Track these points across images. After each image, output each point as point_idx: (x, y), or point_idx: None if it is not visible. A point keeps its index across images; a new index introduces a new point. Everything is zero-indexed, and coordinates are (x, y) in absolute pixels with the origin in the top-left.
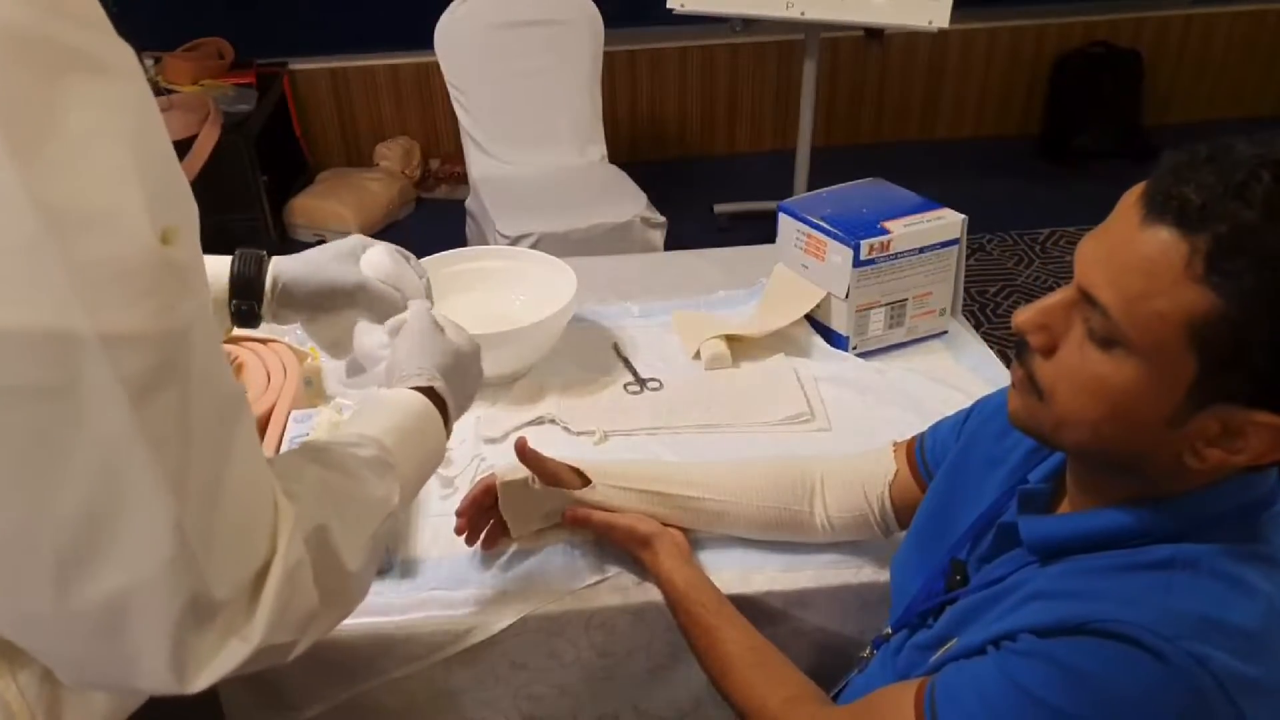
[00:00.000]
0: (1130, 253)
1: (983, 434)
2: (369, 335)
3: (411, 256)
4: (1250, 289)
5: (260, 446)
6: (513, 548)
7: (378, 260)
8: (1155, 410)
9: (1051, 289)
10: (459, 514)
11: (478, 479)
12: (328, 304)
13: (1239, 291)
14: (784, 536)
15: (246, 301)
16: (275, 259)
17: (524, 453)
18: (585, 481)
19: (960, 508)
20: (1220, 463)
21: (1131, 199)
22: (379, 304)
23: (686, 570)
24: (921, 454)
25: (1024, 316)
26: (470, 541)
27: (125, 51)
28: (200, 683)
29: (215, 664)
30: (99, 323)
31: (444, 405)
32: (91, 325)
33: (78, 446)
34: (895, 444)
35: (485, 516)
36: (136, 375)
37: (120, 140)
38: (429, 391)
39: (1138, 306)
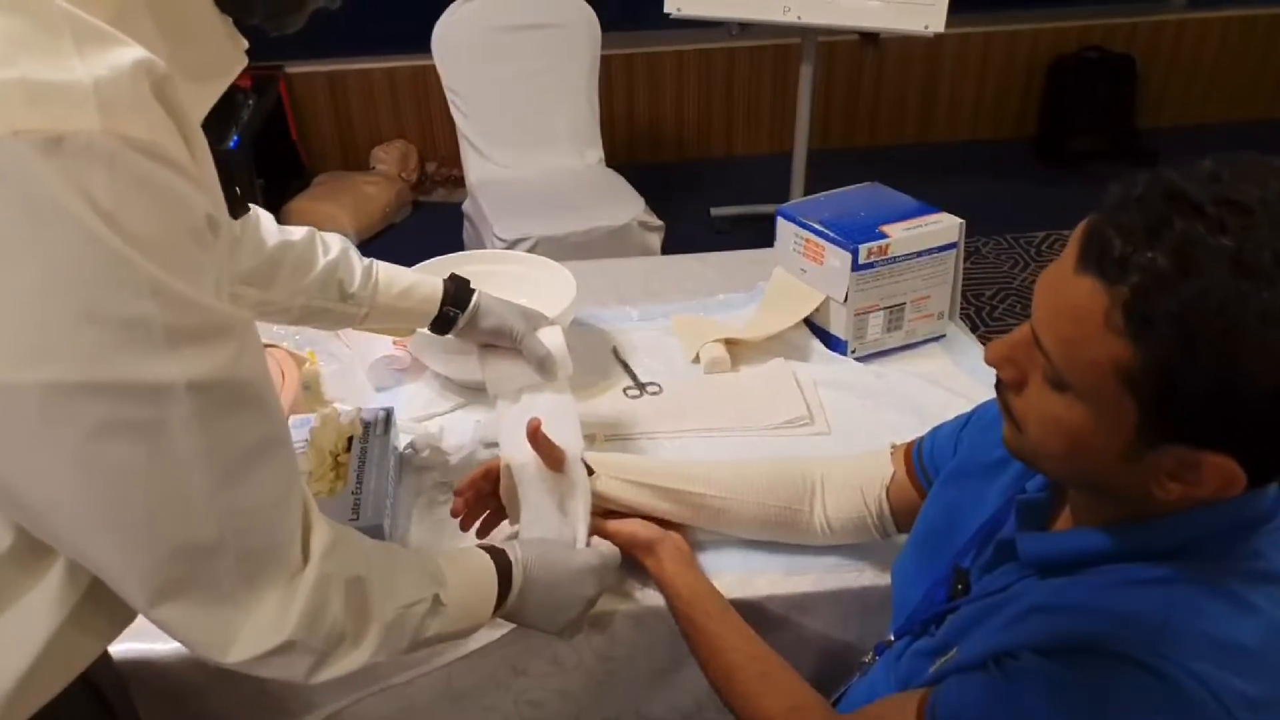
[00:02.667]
0: (1064, 299)
1: (982, 442)
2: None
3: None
4: (1167, 338)
5: (295, 468)
6: (508, 529)
7: (553, 334)
8: (1110, 447)
9: None
10: (457, 493)
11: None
12: (497, 339)
13: (1157, 342)
14: (782, 537)
15: (455, 309)
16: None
17: (535, 436)
18: (589, 472)
19: (961, 515)
20: (1183, 495)
21: (1077, 234)
22: (534, 359)
23: (689, 576)
24: (920, 458)
25: (993, 352)
26: (465, 526)
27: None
28: (233, 657)
29: (247, 643)
30: (186, 371)
31: (508, 573)
32: (181, 374)
33: (162, 458)
34: (894, 446)
35: (483, 503)
36: (209, 408)
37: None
38: (503, 557)
39: (1073, 353)
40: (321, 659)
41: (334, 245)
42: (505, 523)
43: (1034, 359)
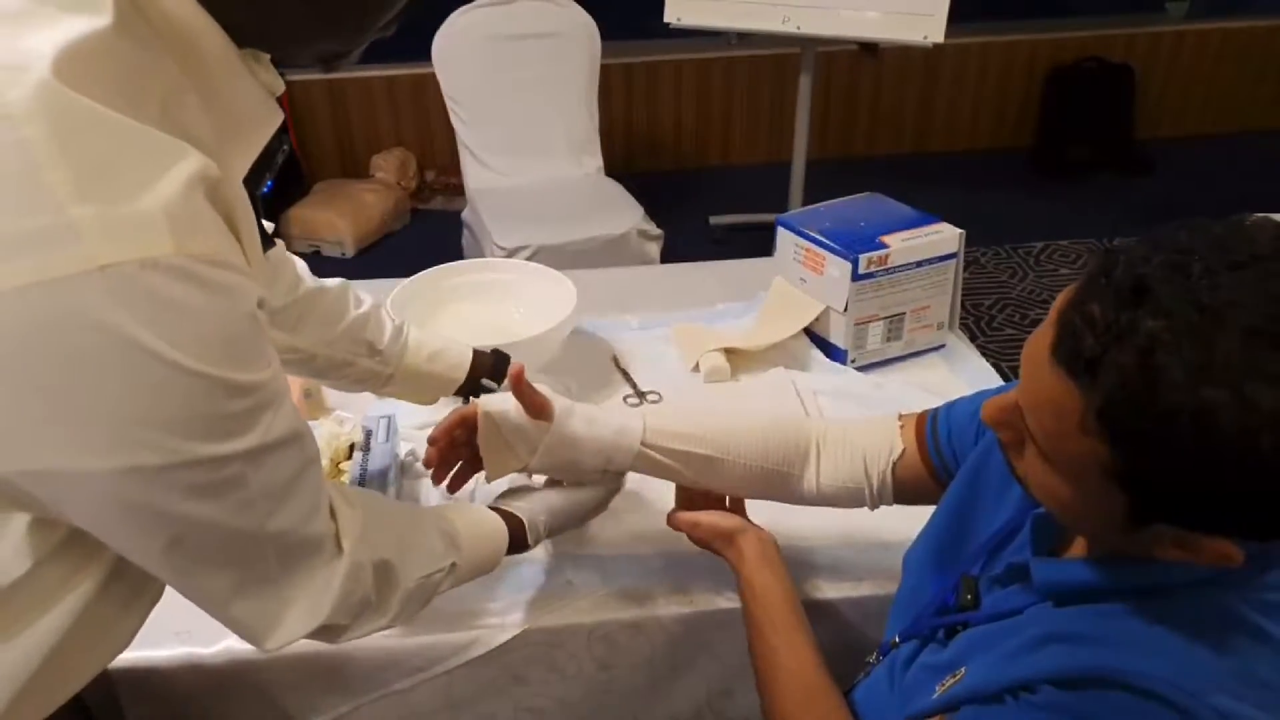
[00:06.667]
0: (1043, 389)
1: None
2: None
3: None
4: (1143, 448)
5: (321, 473)
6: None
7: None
8: (1106, 521)
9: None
10: (431, 441)
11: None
12: None
13: (1132, 443)
14: (767, 497)
15: (493, 381)
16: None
17: (517, 381)
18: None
19: (978, 516)
20: (1186, 560)
21: (1056, 306)
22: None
23: (765, 575)
24: (934, 435)
25: (987, 414)
26: (437, 479)
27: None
28: (272, 643)
29: (287, 629)
30: (245, 443)
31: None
32: (242, 445)
33: (226, 506)
34: (902, 417)
35: (457, 452)
36: (261, 460)
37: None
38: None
39: (1056, 445)
40: (347, 629)
41: (366, 300)
42: (480, 475)
43: (1025, 425)
